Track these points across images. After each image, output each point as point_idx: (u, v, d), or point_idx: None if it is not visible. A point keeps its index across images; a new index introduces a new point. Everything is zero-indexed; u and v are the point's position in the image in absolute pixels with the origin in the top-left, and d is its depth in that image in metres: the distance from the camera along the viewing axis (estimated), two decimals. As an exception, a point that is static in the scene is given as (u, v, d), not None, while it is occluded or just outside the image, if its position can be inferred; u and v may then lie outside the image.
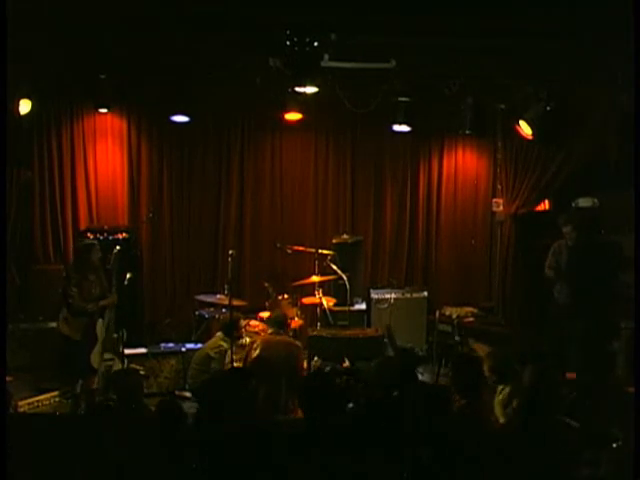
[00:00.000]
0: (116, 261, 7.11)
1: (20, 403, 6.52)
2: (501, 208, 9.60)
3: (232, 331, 7.06)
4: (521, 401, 4.77)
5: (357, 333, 7.92)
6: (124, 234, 8.58)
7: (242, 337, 7.40)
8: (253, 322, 7.99)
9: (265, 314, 8.15)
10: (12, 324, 7.60)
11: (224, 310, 7.78)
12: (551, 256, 7.98)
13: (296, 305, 8.39)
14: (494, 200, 9.76)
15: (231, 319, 7.13)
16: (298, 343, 6.96)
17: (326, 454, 3.84)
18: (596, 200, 8.68)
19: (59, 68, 7.46)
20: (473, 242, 9.93)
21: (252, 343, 6.88)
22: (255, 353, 6.51)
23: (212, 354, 7.06)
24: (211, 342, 7.25)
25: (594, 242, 7.69)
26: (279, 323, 6.90)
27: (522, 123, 7.95)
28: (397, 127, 8.72)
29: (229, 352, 6.93)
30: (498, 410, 5.19)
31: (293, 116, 8.50)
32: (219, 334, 7.24)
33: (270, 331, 6.99)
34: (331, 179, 9.78)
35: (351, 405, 4.85)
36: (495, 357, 5.54)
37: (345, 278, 8.44)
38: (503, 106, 8.83)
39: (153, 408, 4.71)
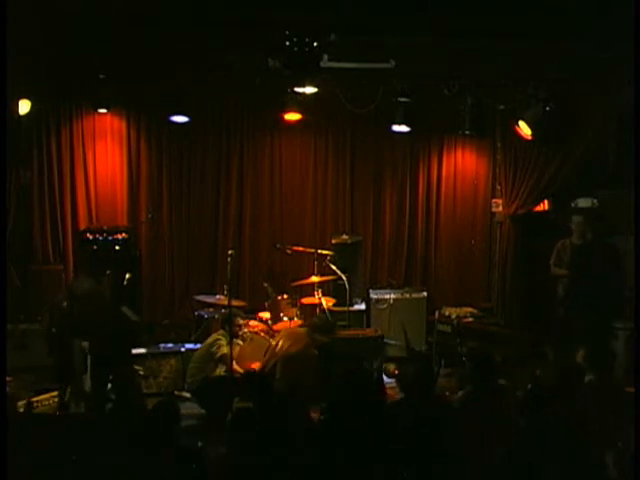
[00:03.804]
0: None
1: (19, 403, 6.51)
2: (500, 208, 9.61)
3: (231, 327, 7.07)
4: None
5: (356, 333, 7.94)
6: (123, 234, 8.58)
7: (239, 334, 7.39)
8: (252, 322, 7.98)
9: (265, 314, 8.16)
10: (11, 324, 7.59)
11: (223, 310, 7.77)
12: (556, 254, 7.98)
13: (295, 305, 8.37)
14: (493, 200, 9.77)
15: (230, 315, 7.13)
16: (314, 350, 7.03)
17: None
18: (595, 200, 8.68)
19: (59, 68, 7.45)
20: (473, 242, 9.93)
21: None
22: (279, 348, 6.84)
23: (211, 350, 7.10)
24: (210, 339, 7.29)
25: (600, 241, 7.71)
26: (327, 329, 7.11)
27: (522, 123, 7.96)
28: (396, 127, 8.68)
29: (227, 347, 6.94)
30: None
31: (292, 116, 8.47)
32: (219, 332, 7.27)
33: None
34: (330, 179, 9.76)
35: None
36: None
37: (344, 278, 8.42)
38: (503, 106, 8.82)
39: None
